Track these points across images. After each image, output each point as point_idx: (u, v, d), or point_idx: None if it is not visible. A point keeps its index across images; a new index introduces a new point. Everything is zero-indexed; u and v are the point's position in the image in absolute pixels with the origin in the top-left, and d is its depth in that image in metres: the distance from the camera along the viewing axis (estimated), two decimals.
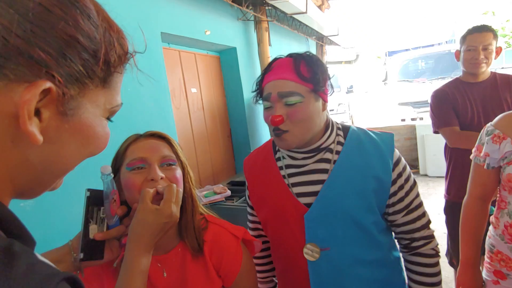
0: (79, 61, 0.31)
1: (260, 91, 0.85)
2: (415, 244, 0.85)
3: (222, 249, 0.77)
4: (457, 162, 1.74)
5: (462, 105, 1.69)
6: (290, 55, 0.82)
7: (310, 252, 0.81)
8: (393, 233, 0.91)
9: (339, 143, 0.85)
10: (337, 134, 0.87)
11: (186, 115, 3.79)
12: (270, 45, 4.62)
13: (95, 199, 0.64)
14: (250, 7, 4.29)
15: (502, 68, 7.86)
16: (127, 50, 0.37)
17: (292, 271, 0.87)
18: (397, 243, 0.92)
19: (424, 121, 5.10)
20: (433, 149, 4.51)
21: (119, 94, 0.38)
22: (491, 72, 1.70)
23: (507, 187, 0.95)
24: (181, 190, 0.69)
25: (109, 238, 0.66)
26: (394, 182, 0.82)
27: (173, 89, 3.56)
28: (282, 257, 0.90)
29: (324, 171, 0.83)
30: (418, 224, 0.85)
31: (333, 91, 0.85)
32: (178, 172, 0.72)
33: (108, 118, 0.38)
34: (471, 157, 1.07)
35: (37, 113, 0.29)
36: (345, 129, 0.88)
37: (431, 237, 0.86)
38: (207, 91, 4.21)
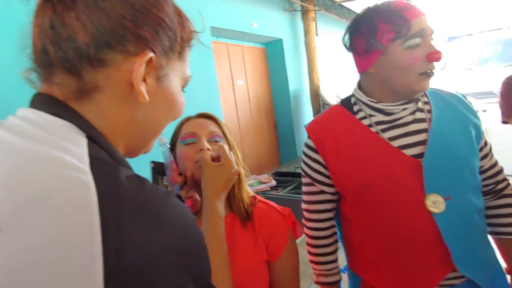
0: (166, 37, 0.40)
1: (402, 29, 0.73)
2: (500, 186, 0.86)
3: (270, 223, 0.81)
4: None
5: None
6: None
7: (433, 204, 0.73)
8: None
9: (422, 94, 0.84)
10: None
11: (233, 107, 3.89)
12: (317, 35, 4.52)
13: (158, 169, 0.75)
14: None
15: None
16: (193, 29, 0.46)
17: (410, 234, 0.76)
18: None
19: (488, 113, 4.63)
20: (498, 144, 4.08)
21: (188, 67, 0.47)
22: None
23: None
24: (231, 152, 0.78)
25: None
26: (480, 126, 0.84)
27: (221, 82, 3.66)
28: (391, 224, 0.78)
29: (422, 120, 0.79)
30: (499, 167, 0.87)
31: None
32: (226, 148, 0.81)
33: (182, 88, 0.47)
34: None
35: (143, 78, 0.39)
36: None
37: (507, 178, 0.88)
38: (253, 83, 4.27)
